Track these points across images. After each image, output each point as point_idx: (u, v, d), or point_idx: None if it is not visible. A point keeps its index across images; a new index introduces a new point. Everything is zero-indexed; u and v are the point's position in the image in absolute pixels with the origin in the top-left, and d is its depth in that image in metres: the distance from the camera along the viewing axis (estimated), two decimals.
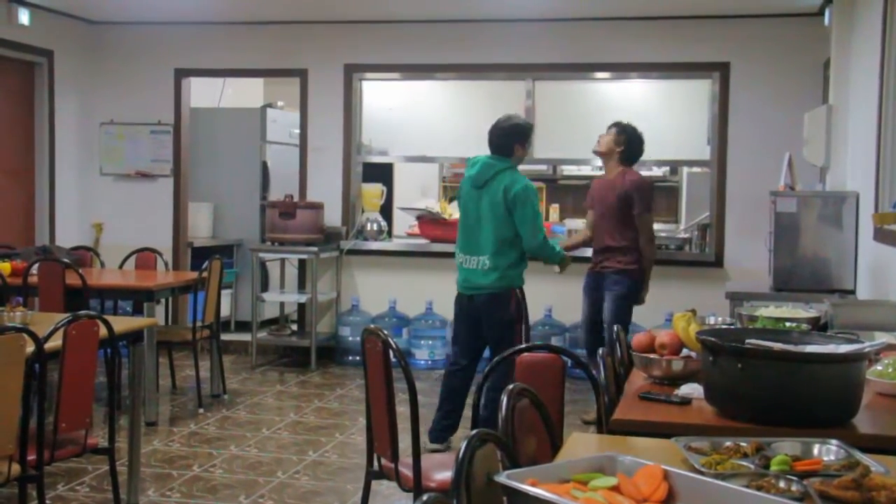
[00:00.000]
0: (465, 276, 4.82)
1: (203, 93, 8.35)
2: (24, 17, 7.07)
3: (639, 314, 6.66)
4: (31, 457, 3.31)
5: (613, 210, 5.46)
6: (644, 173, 8.74)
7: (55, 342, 3.39)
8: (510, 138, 4.81)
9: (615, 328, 3.43)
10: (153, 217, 7.77)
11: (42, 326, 3.42)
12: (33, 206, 7.48)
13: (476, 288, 4.76)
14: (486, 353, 4.99)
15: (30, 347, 3.22)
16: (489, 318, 4.76)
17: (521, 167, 9.45)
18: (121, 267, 6.67)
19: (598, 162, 6.10)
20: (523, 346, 3.18)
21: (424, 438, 4.70)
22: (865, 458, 1.94)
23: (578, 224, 7.58)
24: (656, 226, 7.88)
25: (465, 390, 4.90)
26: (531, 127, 4.98)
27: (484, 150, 4.91)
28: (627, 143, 5.52)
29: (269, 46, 7.63)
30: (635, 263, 5.45)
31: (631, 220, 5.43)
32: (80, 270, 5.56)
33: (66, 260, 5.67)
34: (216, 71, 8.00)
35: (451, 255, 6.84)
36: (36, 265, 5.55)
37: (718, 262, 6.98)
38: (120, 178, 7.93)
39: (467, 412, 5.19)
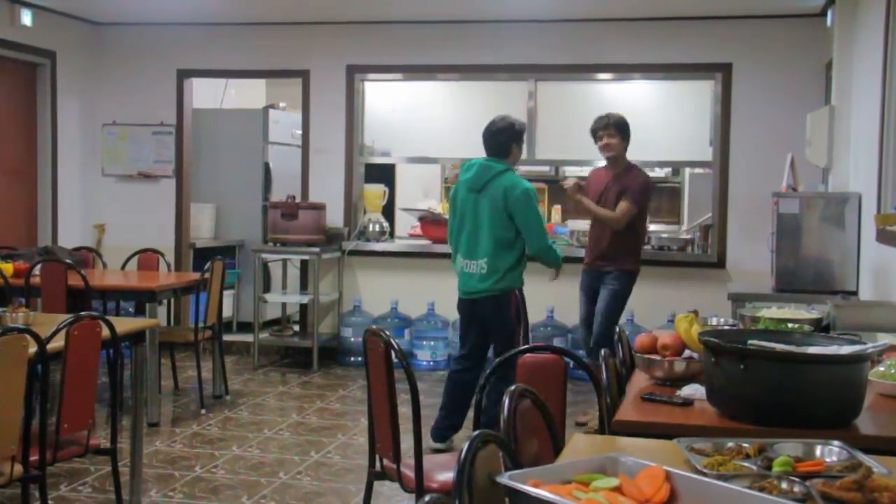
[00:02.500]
0: (465, 281, 4.82)
1: (205, 94, 8.35)
2: (26, 18, 7.08)
3: (641, 315, 6.68)
4: (34, 457, 3.31)
5: (615, 206, 5.35)
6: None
7: (57, 343, 3.39)
8: (507, 138, 4.80)
9: (616, 328, 3.43)
10: (155, 218, 7.78)
11: (44, 327, 3.42)
12: (36, 206, 7.48)
13: (476, 292, 4.76)
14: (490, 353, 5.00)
15: (32, 348, 3.23)
16: (491, 322, 4.77)
17: (523, 167, 9.49)
18: (123, 268, 6.68)
19: (601, 162, 6.07)
20: (524, 347, 3.18)
21: (427, 438, 4.70)
22: (868, 460, 1.94)
23: (580, 225, 7.58)
24: (659, 227, 7.91)
25: (470, 391, 4.90)
26: (524, 126, 4.96)
27: (484, 151, 4.89)
28: (626, 129, 5.44)
29: (271, 47, 7.63)
30: (635, 263, 5.42)
31: (633, 220, 5.35)
32: (83, 271, 5.56)
33: (68, 261, 5.67)
34: (218, 72, 8.01)
35: None
36: (38, 266, 5.55)
37: (720, 263, 6.98)
38: (122, 179, 7.93)
39: (470, 412, 5.20)
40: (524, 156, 7.35)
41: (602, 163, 5.77)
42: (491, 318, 4.76)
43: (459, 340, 5.04)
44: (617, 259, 5.37)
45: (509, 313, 4.73)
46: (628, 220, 5.33)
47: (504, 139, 4.79)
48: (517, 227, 4.68)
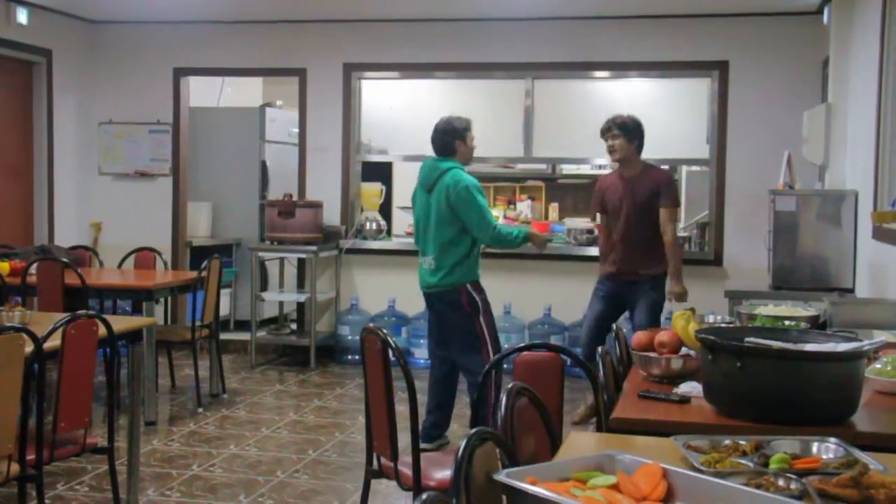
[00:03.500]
0: (420, 276, 4.93)
1: (202, 92, 8.34)
2: (22, 16, 7.07)
3: None
4: (31, 456, 3.31)
5: (644, 212, 5.17)
6: None
7: (54, 342, 3.39)
8: (449, 137, 4.86)
9: (613, 327, 3.42)
10: (152, 216, 7.77)
11: (41, 326, 3.42)
12: (32, 205, 7.48)
13: (429, 287, 4.86)
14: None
15: (29, 347, 3.22)
16: (445, 315, 4.84)
17: (521, 166, 9.46)
18: (120, 266, 6.67)
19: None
20: (521, 346, 3.18)
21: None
22: (864, 456, 1.94)
23: (577, 223, 7.58)
24: None
25: (451, 383, 4.92)
26: (467, 122, 4.93)
27: (482, 149, 4.96)
28: (637, 135, 5.29)
29: (267, 45, 7.63)
30: (662, 266, 5.23)
31: (658, 220, 5.17)
32: (79, 270, 5.56)
33: (64, 259, 5.67)
34: (215, 70, 8.00)
35: None
36: (35, 265, 5.54)
37: (718, 260, 6.98)
38: (119, 178, 7.93)
39: (465, 411, 5.20)
40: (521, 153, 7.44)
41: (607, 169, 5.68)
42: (444, 312, 4.84)
43: (428, 336, 5.09)
44: (650, 265, 5.21)
45: (460, 307, 4.75)
46: (675, 223, 5.25)
47: (447, 139, 4.87)
48: (462, 222, 4.70)
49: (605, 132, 5.33)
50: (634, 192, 5.23)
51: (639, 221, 5.20)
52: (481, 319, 4.76)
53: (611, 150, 5.31)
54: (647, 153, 7.25)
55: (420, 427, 4.80)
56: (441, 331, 4.91)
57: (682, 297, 5.27)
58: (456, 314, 4.79)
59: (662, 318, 6.39)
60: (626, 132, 5.26)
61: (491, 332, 4.78)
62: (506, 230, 4.88)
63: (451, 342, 4.84)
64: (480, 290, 4.82)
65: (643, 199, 5.20)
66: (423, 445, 4.74)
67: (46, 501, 3.68)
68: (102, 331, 3.61)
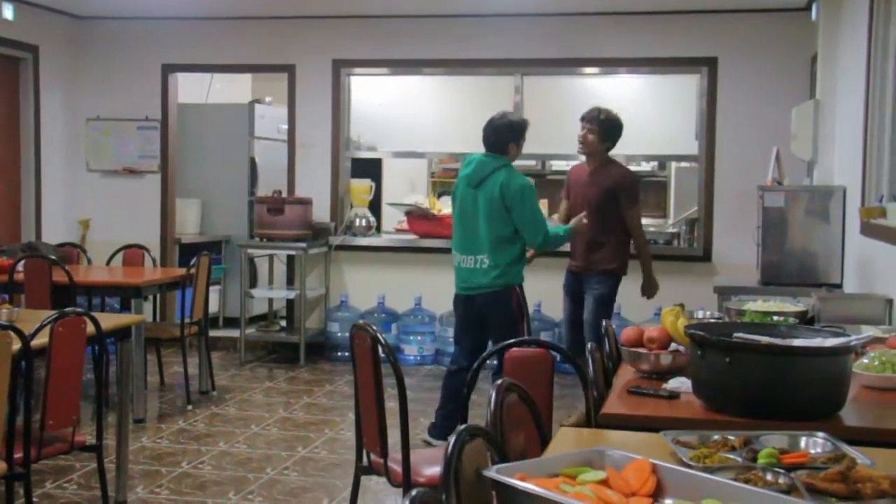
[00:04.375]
0: (463, 277, 4.77)
1: (190, 88, 8.31)
2: (8, 11, 7.03)
3: (627, 308, 6.70)
4: (18, 454, 3.30)
5: (597, 206, 5.17)
6: (632, 168, 8.77)
7: (42, 339, 3.37)
8: (506, 136, 4.74)
9: (603, 324, 3.43)
10: (140, 213, 7.74)
11: (28, 324, 3.40)
12: (19, 202, 7.44)
13: (476, 287, 4.71)
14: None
15: (16, 345, 3.21)
16: (492, 318, 4.71)
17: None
18: (108, 263, 6.65)
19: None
20: (511, 341, 3.18)
21: (414, 434, 4.68)
22: (852, 451, 1.95)
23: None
24: (645, 221, 7.90)
25: (468, 390, 4.85)
26: (527, 124, 4.85)
27: (472, 145, 4.89)
28: (612, 137, 5.24)
29: (256, 42, 7.60)
30: (615, 262, 5.21)
31: (614, 216, 5.18)
32: (67, 267, 5.54)
33: (52, 256, 5.64)
34: (203, 66, 7.97)
35: (439, 250, 6.86)
36: (22, 262, 5.51)
37: (706, 256, 7.00)
38: (107, 175, 7.89)
39: (478, 410, 5.19)
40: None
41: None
42: (490, 313, 4.70)
43: (456, 338, 4.95)
44: (602, 260, 5.21)
45: (510, 309, 4.68)
46: (639, 221, 5.26)
47: (502, 137, 4.74)
48: (514, 222, 4.66)
49: (584, 120, 5.26)
50: (592, 186, 5.23)
51: (595, 216, 5.16)
52: (523, 323, 4.71)
53: (581, 141, 5.26)
54: (637, 149, 7.30)
55: (437, 424, 4.80)
56: (479, 334, 4.76)
57: (653, 292, 5.44)
58: (503, 316, 4.67)
59: (651, 314, 6.44)
60: (602, 131, 5.19)
61: (528, 335, 4.72)
62: (553, 231, 4.80)
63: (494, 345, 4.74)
64: (524, 295, 4.76)
65: (599, 193, 5.18)
66: (438, 442, 4.69)
67: (34, 500, 3.67)
68: (91, 328, 3.60)
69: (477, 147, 4.90)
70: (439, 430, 4.81)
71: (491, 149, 4.77)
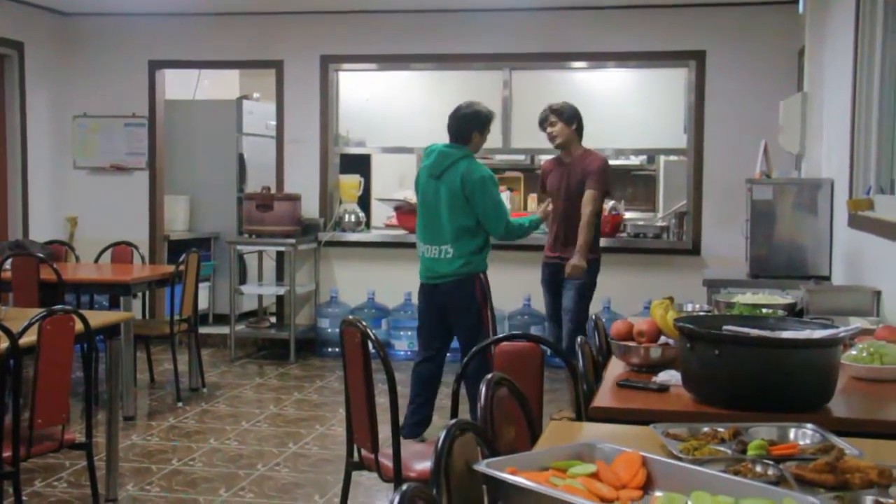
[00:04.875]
0: (427, 266, 4.78)
1: (178, 85, 8.28)
2: None
3: (617, 302, 6.71)
4: (7, 453, 3.29)
5: (574, 196, 5.23)
6: (621, 162, 8.79)
7: (30, 338, 3.36)
8: (469, 125, 4.76)
9: (592, 316, 3.44)
10: (129, 210, 7.71)
11: (16, 322, 3.39)
12: (6, 200, 7.39)
13: (440, 276, 4.73)
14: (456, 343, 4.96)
15: (4, 343, 3.19)
16: (455, 306, 4.73)
17: (499, 157, 9.46)
18: (96, 261, 6.63)
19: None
20: (501, 336, 3.19)
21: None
22: (840, 442, 1.96)
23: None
24: (634, 214, 7.94)
25: (436, 381, 4.87)
26: (492, 115, 4.87)
27: None
28: (574, 118, 5.32)
29: (244, 38, 7.58)
30: (596, 252, 5.30)
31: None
32: (55, 265, 5.51)
33: (40, 254, 5.62)
34: (191, 63, 7.94)
35: None
36: (9, 260, 5.49)
37: (696, 249, 7.02)
38: (94, 172, 7.86)
39: (446, 402, 5.20)
40: (500, 144, 7.44)
41: (552, 154, 5.69)
42: (455, 303, 4.72)
43: (419, 331, 4.94)
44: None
45: (474, 297, 4.71)
46: (598, 207, 5.27)
47: (466, 126, 4.76)
48: (476, 213, 4.66)
49: (543, 122, 5.38)
50: (569, 177, 5.30)
51: (572, 207, 5.25)
52: (488, 310, 4.73)
53: (552, 138, 5.36)
54: (626, 143, 7.31)
55: (404, 423, 4.81)
56: (441, 324, 4.78)
57: (577, 270, 5.20)
58: (467, 305, 4.69)
59: (641, 307, 6.45)
60: (562, 117, 5.31)
61: (493, 322, 4.77)
62: (517, 222, 4.83)
63: (458, 335, 4.75)
64: (487, 280, 4.78)
65: (576, 184, 5.26)
66: (408, 441, 4.72)
67: (24, 498, 3.65)
68: (79, 326, 3.58)
69: None
70: (408, 428, 4.73)
71: (454, 138, 4.78)
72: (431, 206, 4.74)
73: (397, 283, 7.20)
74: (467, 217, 4.67)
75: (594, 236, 5.31)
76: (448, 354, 5.01)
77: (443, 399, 5.32)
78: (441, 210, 4.70)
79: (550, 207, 5.25)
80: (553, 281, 5.38)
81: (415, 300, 7.13)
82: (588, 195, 5.23)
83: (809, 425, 2.08)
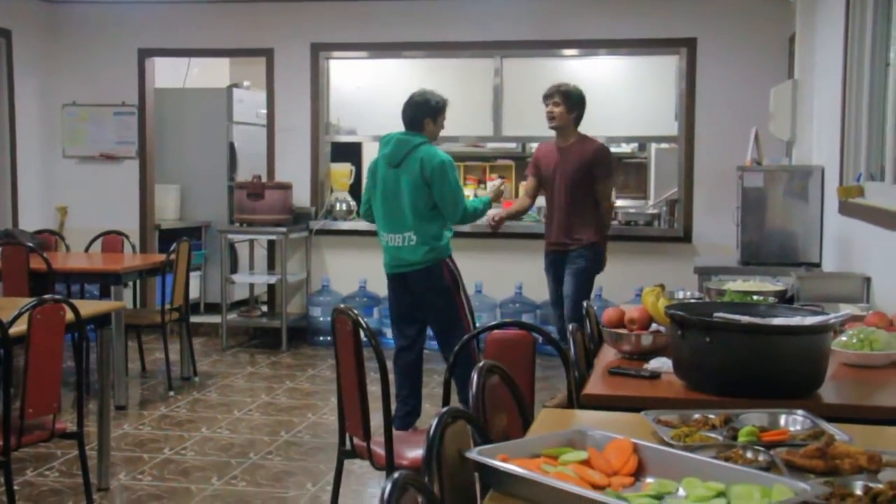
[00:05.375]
0: (392, 255, 4.71)
1: (167, 73, 8.24)
2: None
3: (608, 290, 6.72)
4: None
5: (573, 181, 5.21)
6: (612, 149, 8.78)
7: (20, 327, 3.34)
8: (421, 112, 4.71)
9: (584, 304, 3.44)
10: (119, 199, 7.68)
11: (6, 311, 3.37)
12: None
13: (407, 265, 4.66)
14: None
15: None
16: (425, 294, 4.68)
17: (490, 145, 9.44)
18: (87, 250, 6.60)
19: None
20: (493, 323, 3.19)
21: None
22: (830, 428, 1.97)
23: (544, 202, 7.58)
24: (625, 202, 7.95)
25: (417, 371, 4.80)
26: (445, 103, 4.82)
27: (454, 128, 4.84)
28: (578, 106, 5.29)
29: (234, 26, 7.54)
30: (596, 234, 5.28)
31: (590, 190, 5.23)
32: (45, 254, 5.49)
33: (29, 244, 5.59)
34: (181, 51, 7.90)
35: None
36: None
37: (687, 237, 7.03)
38: (84, 161, 7.82)
39: (438, 391, 5.21)
40: (491, 132, 7.43)
41: (543, 140, 5.67)
42: (425, 290, 4.67)
43: (393, 321, 4.87)
44: (581, 234, 5.24)
45: (442, 282, 4.66)
46: (609, 195, 5.34)
47: (418, 113, 4.72)
48: (434, 198, 4.63)
49: (548, 97, 5.32)
50: (567, 162, 5.26)
51: (570, 191, 5.23)
52: (461, 294, 4.71)
53: (550, 117, 5.30)
54: (617, 131, 7.30)
55: (394, 417, 4.78)
56: (413, 313, 4.75)
57: (600, 269, 5.37)
58: (437, 291, 4.66)
59: (632, 295, 6.46)
60: (568, 101, 5.27)
61: (469, 306, 4.74)
62: (471, 207, 4.79)
63: (432, 323, 4.73)
64: (455, 264, 4.76)
65: (574, 169, 5.23)
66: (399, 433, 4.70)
67: (15, 488, 3.65)
68: (70, 315, 3.57)
69: (456, 130, 4.88)
70: (398, 421, 4.65)
71: (408, 126, 4.74)
72: (391, 194, 4.67)
73: None
74: (428, 202, 4.62)
75: (598, 220, 5.31)
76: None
77: (435, 387, 5.33)
78: (402, 197, 4.63)
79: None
80: (556, 268, 5.36)
81: None
82: (606, 188, 5.28)
83: (800, 411, 2.09)
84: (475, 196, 6.43)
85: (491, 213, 5.26)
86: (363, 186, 8.20)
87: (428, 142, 4.70)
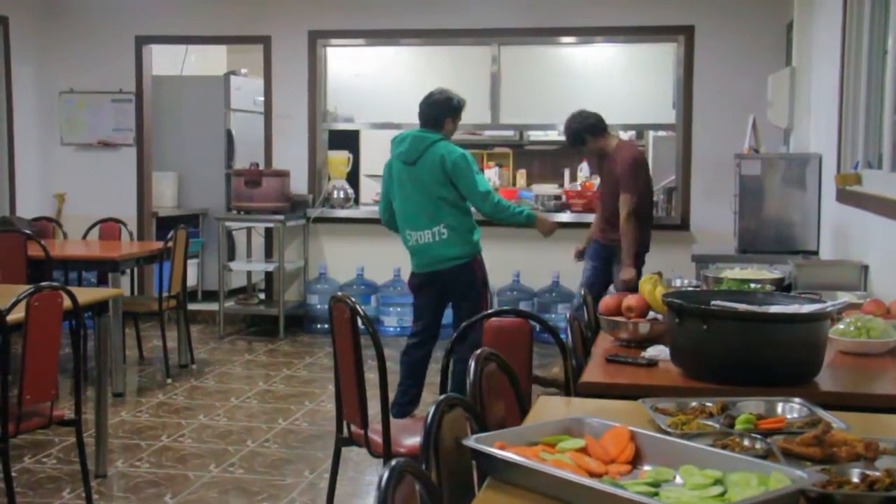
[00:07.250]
0: (422, 252, 4.63)
1: (165, 60, 8.21)
2: None
3: None
4: None
5: (613, 192, 5.32)
6: None
7: (18, 314, 3.34)
8: (442, 112, 4.67)
9: (582, 291, 3.44)
10: (117, 187, 7.67)
11: (4, 298, 3.37)
12: None
13: (441, 261, 4.59)
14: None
15: None
16: (456, 292, 4.65)
17: (488, 133, 9.43)
18: (84, 237, 6.59)
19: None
20: (490, 311, 3.19)
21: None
22: (827, 415, 1.97)
23: (545, 189, 7.58)
24: None
25: (425, 365, 4.81)
26: (464, 102, 4.80)
27: None
28: (582, 132, 5.33)
29: (231, 13, 7.51)
30: (641, 245, 5.38)
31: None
32: (43, 242, 5.48)
33: (27, 231, 5.58)
34: (178, 38, 7.87)
35: None
36: None
37: (684, 225, 7.03)
38: (81, 148, 7.80)
39: (435, 378, 5.21)
40: (488, 120, 7.42)
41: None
42: (457, 287, 4.64)
43: (415, 315, 4.83)
44: (613, 236, 5.34)
45: (475, 284, 4.66)
46: (631, 208, 5.22)
47: (438, 112, 4.67)
48: (461, 193, 4.61)
49: (572, 146, 5.60)
50: (608, 174, 5.42)
51: (612, 197, 5.34)
52: (486, 294, 4.71)
53: (587, 156, 5.45)
54: (615, 118, 7.25)
55: (394, 403, 4.78)
56: (437, 313, 4.71)
57: (627, 284, 5.05)
58: (467, 291, 4.62)
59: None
60: (575, 139, 5.40)
61: (489, 307, 4.73)
62: (507, 202, 4.76)
63: (461, 320, 4.68)
64: (483, 263, 4.74)
65: (612, 181, 5.35)
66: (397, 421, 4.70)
67: (13, 474, 3.65)
68: (67, 303, 3.57)
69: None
70: (397, 407, 4.66)
71: (426, 124, 4.70)
72: (410, 193, 4.62)
73: (386, 260, 7.19)
74: (452, 196, 4.59)
75: (645, 230, 5.40)
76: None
77: (432, 375, 5.32)
78: (424, 194, 4.58)
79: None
80: (602, 255, 5.45)
81: (404, 276, 7.13)
82: (622, 199, 5.25)
83: (797, 399, 2.10)
84: None
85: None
86: (361, 175, 8.29)
87: (445, 139, 4.68)
